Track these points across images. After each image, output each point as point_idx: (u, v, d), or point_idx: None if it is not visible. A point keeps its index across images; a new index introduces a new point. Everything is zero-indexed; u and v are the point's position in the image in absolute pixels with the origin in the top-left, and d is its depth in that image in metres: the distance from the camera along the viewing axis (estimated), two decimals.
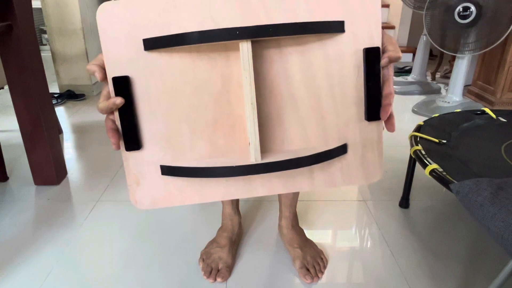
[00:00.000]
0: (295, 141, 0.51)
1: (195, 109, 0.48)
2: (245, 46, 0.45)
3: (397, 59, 0.48)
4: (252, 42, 0.46)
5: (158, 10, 0.44)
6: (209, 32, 0.44)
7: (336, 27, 0.47)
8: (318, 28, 0.46)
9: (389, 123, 0.50)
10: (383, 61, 0.48)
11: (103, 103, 0.46)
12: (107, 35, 0.45)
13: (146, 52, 0.46)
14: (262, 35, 0.45)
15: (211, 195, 0.51)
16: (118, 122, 0.47)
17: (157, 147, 0.49)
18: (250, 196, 0.52)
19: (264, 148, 0.50)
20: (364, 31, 0.47)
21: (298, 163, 0.49)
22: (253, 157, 0.48)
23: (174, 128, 0.48)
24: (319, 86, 0.49)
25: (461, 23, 2.02)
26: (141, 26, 0.45)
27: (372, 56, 0.48)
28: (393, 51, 0.48)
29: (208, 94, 0.48)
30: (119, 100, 0.45)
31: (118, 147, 0.48)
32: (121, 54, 0.45)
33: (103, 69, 0.47)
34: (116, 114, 0.47)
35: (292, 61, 0.48)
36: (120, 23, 0.45)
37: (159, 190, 0.51)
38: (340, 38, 0.48)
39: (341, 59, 0.48)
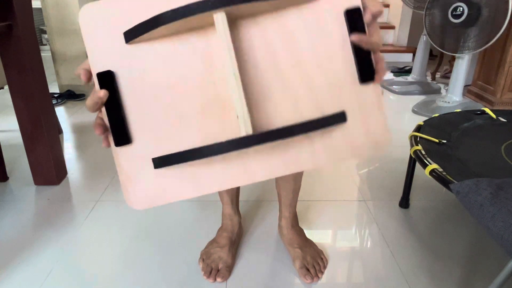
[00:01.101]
0: (286, 114, 0.49)
1: (181, 97, 0.48)
2: (219, 17, 0.44)
3: (379, 13, 0.47)
4: (228, 17, 0.46)
5: (135, 2, 0.46)
6: (182, 9, 0.43)
7: None
8: None
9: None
10: (366, 17, 0.47)
11: (88, 100, 0.46)
12: (88, 34, 0.46)
13: (127, 46, 0.46)
14: (235, 2, 0.43)
15: (208, 186, 0.49)
16: (106, 119, 0.48)
17: (147, 139, 0.48)
18: (250, 182, 0.49)
19: (255, 123, 0.49)
20: None
21: (291, 131, 0.46)
22: (243, 130, 0.46)
23: (162, 119, 0.48)
24: (304, 54, 0.48)
25: (455, 23, 2.02)
26: (121, 20, 0.46)
27: (354, 17, 0.47)
28: (373, 6, 0.47)
29: (192, 80, 0.48)
30: (103, 93, 0.46)
31: (108, 144, 0.48)
32: (103, 50, 0.46)
33: (88, 71, 0.47)
34: (104, 110, 0.47)
35: (272, 32, 0.47)
36: (101, 21, 0.46)
37: (153, 186, 0.50)
38: (317, 3, 0.47)
39: (321, 25, 0.47)
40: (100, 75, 0.46)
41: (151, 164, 0.49)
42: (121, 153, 0.49)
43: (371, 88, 0.49)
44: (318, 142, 0.49)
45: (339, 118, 0.48)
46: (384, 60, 0.48)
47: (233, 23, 0.47)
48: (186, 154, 0.47)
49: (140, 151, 0.48)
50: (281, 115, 0.49)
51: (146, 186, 0.50)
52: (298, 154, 0.49)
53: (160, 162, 0.48)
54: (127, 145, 0.48)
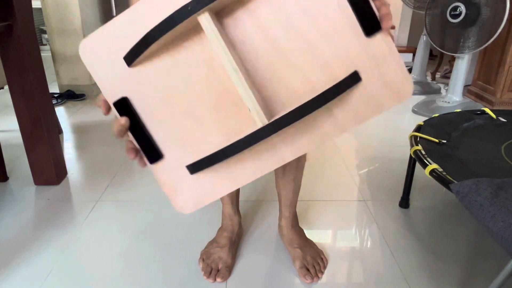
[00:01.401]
0: (299, 90, 0.48)
1: (193, 102, 0.49)
2: (204, 18, 0.44)
3: None
4: (214, 13, 0.45)
5: (126, 27, 0.46)
6: (165, 22, 0.44)
7: None
8: None
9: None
10: None
11: (113, 128, 0.49)
12: (94, 68, 0.48)
13: (131, 69, 0.48)
14: None
15: (244, 177, 0.51)
16: (134, 141, 0.50)
17: (176, 150, 0.50)
18: (281, 164, 0.49)
19: (270, 108, 0.48)
20: None
21: (307, 108, 0.45)
22: (259, 121, 0.46)
23: (182, 127, 0.50)
24: (300, 25, 0.46)
25: (453, 23, 2.02)
26: (118, 47, 0.47)
27: None
28: None
29: (199, 83, 0.48)
30: (123, 120, 0.48)
31: (143, 164, 0.51)
32: (111, 79, 0.48)
33: (106, 102, 0.50)
34: (130, 134, 0.50)
35: (263, 13, 0.46)
36: (100, 53, 0.47)
37: (195, 189, 0.52)
38: None
39: None
40: (116, 104, 0.49)
41: (187, 171, 0.51)
42: (158, 169, 0.51)
43: (379, 38, 0.45)
44: (338, 109, 0.48)
45: (353, 79, 0.46)
46: (388, 4, 0.44)
47: (221, 16, 0.47)
48: (213, 156, 0.48)
49: (173, 162, 0.51)
50: (294, 93, 0.48)
51: (189, 191, 0.52)
52: (321, 127, 0.48)
53: (194, 168, 0.50)
54: (160, 160, 0.51)
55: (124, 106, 0.49)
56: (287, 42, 0.47)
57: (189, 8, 0.43)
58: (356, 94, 0.47)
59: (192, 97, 0.49)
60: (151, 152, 0.50)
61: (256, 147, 0.50)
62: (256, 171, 0.50)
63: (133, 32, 0.46)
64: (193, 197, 0.52)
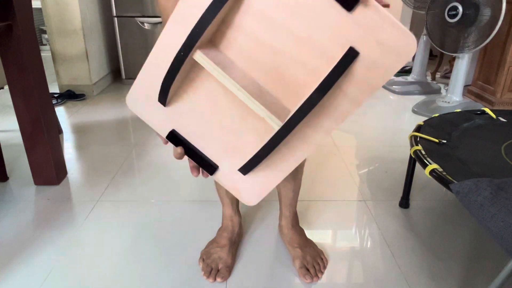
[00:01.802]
0: (306, 81, 0.51)
1: (224, 118, 0.56)
2: (198, 56, 0.49)
3: None
4: (209, 41, 0.50)
5: (149, 75, 0.55)
6: (170, 69, 0.51)
7: None
8: None
9: None
10: None
11: (174, 155, 0.59)
12: (142, 114, 0.58)
13: (167, 108, 0.57)
14: (196, 39, 0.47)
15: (289, 165, 0.58)
16: (192, 161, 0.60)
17: (225, 160, 0.59)
18: (315, 149, 0.55)
19: (286, 104, 0.53)
20: None
21: (316, 96, 0.48)
22: (275, 125, 0.51)
23: (223, 140, 0.58)
24: (285, 24, 0.48)
25: (450, 22, 2.03)
26: (151, 93, 0.56)
27: None
28: None
29: (221, 102, 0.55)
30: (179, 149, 0.59)
31: (207, 175, 0.61)
32: (158, 120, 0.58)
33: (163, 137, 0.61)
34: (187, 157, 0.60)
35: (248, 25, 0.49)
36: (141, 102, 0.57)
37: (254, 185, 0.61)
38: None
39: None
40: (168, 137, 0.59)
41: (241, 174, 0.60)
42: (219, 178, 0.61)
43: (362, 9, 0.45)
44: (348, 85, 0.49)
45: (351, 55, 0.47)
46: None
47: (214, 42, 0.51)
48: (255, 157, 0.56)
49: (228, 169, 0.60)
50: (301, 85, 0.51)
51: (249, 188, 0.61)
52: (338, 105, 0.51)
53: (244, 170, 0.59)
54: (217, 171, 0.61)
55: (174, 136, 0.58)
56: (280, 43, 0.49)
57: (181, 53, 0.49)
58: (360, 67, 0.48)
59: (222, 115, 0.56)
60: (207, 166, 0.60)
61: (288, 139, 0.55)
62: (297, 159, 0.57)
63: (156, 79, 0.54)
64: (253, 192, 0.61)
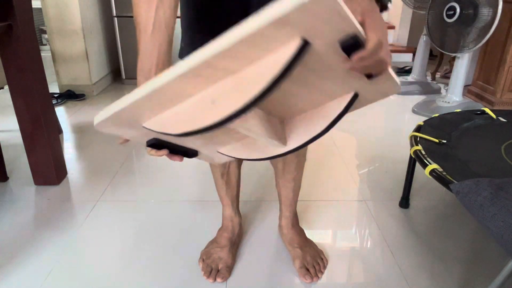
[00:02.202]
0: (310, 109, 0.55)
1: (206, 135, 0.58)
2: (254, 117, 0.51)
3: (378, 47, 0.40)
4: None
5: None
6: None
7: None
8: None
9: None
10: (362, 54, 0.40)
11: (157, 154, 0.60)
12: (123, 135, 0.57)
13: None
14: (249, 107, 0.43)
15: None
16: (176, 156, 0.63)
17: (204, 149, 0.64)
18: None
19: (287, 131, 0.57)
20: None
21: (320, 134, 0.53)
22: (281, 149, 0.56)
23: (200, 140, 0.60)
24: (307, 78, 0.48)
25: (448, 22, 2.03)
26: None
27: (348, 44, 0.42)
28: (372, 37, 0.40)
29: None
30: (164, 151, 0.60)
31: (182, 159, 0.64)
32: (136, 134, 0.57)
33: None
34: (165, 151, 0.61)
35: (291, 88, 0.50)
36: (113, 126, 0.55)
37: (223, 156, 0.67)
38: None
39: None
40: (150, 145, 0.58)
41: (216, 151, 0.66)
42: (202, 158, 0.68)
43: (381, 78, 0.49)
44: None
45: (353, 98, 0.52)
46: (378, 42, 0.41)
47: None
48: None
49: (206, 152, 0.66)
50: (305, 112, 0.56)
51: (220, 158, 0.68)
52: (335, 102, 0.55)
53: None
54: (199, 153, 0.66)
55: (156, 143, 0.58)
56: (293, 89, 0.51)
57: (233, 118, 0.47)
58: (355, 103, 0.54)
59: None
60: (188, 154, 0.63)
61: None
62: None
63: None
64: (223, 158, 0.67)
